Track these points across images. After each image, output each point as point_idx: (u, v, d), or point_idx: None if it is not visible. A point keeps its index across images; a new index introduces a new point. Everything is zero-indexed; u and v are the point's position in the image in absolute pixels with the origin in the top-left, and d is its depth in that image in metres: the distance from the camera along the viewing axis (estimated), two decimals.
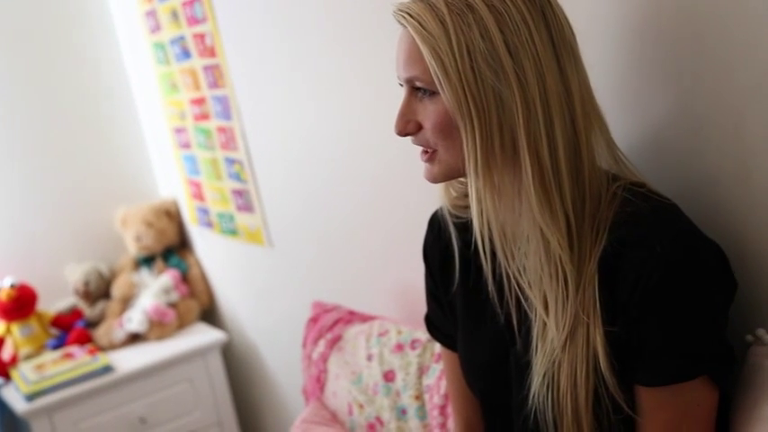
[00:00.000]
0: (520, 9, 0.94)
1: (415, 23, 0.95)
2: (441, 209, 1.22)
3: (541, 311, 1.02)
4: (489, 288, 1.10)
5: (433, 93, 0.98)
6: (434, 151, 1.02)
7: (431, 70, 0.95)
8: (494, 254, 1.05)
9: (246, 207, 2.39)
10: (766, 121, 0.98)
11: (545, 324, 1.02)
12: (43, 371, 2.52)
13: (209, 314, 2.91)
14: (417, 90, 1.00)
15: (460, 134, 0.97)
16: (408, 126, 1.02)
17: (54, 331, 2.78)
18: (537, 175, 0.95)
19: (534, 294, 1.03)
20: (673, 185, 1.08)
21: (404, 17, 0.97)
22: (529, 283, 1.03)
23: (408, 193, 1.68)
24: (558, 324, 0.99)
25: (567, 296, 0.99)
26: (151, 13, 2.57)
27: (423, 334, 1.60)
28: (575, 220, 0.97)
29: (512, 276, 1.04)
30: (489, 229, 1.01)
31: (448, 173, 1.03)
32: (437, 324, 1.31)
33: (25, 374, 2.52)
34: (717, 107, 1.03)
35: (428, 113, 0.99)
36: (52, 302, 2.83)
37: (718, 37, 1.01)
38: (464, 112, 0.95)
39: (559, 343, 0.99)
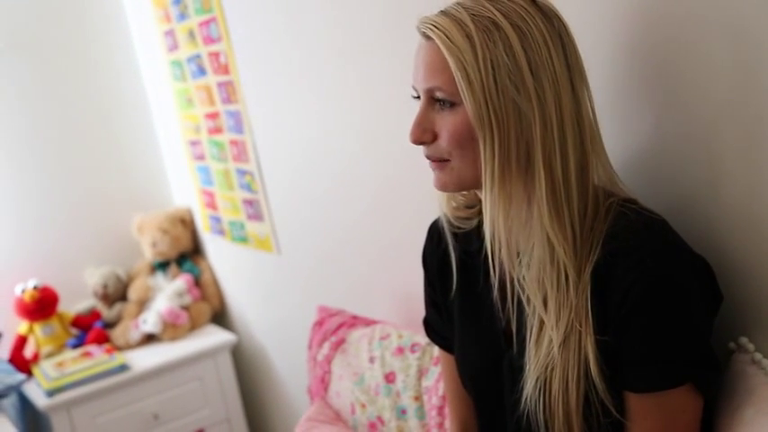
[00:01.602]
0: (541, 31, 0.94)
1: (442, 35, 0.95)
2: (439, 219, 1.21)
3: (542, 315, 1.01)
4: (494, 294, 1.09)
5: (453, 104, 0.97)
6: (447, 161, 1.01)
7: (456, 81, 0.95)
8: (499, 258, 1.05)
9: (256, 216, 2.38)
10: (747, 143, 0.98)
11: (540, 330, 1.01)
12: (63, 368, 2.51)
13: (220, 317, 2.90)
14: (436, 101, 0.99)
15: (477, 145, 0.96)
16: (425, 135, 1.01)
17: (74, 331, 2.77)
18: (549, 187, 0.95)
19: (535, 300, 1.02)
20: (659, 201, 1.07)
21: (430, 29, 0.97)
22: (530, 290, 1.03)
23: (409, 204, 1.68)
24: (558, 328, 0.99)
25: (567, 304, 0.98)
26: (170, 33, 2.57)
27: (422, 338, 1.59)
28: (579, 232, 0.97)
29: (515, 282, 1.04)
30: (499, 238, 1.00)
31: (459, 183, 1.02)
32: (435, 328, 1.30)
33: (46, 371, 2.51)
34: (702, 127, 1.03)
35: (446, 123, 0.98)
36: (73, 304, 2.82)
37: (701, 63, 1.01)
38: (485, 123, 0.94)
39: (557, 345, 0.98)
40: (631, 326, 0.94)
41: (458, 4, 0.98)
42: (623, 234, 0.96)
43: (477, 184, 1.00)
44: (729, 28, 0.96)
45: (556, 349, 0.98)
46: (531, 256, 1.01)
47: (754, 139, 0.97)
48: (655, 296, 0.92)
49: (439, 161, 1.02)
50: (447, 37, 0.94)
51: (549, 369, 0.99)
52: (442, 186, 1.04)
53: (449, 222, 1.17)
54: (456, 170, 1.00)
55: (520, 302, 1.05)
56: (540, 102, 0.93)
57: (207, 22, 2.31)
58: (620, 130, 1.14)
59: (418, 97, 1.02)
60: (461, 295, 1.18)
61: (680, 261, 0.94)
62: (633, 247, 0.95)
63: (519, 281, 1.03)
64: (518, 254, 1.03)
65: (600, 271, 0.96)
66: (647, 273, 0.92)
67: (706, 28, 0.99)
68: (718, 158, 1.02)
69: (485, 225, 1.00)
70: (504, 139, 0.94)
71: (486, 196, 0.97)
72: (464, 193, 1.13)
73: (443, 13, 0.97)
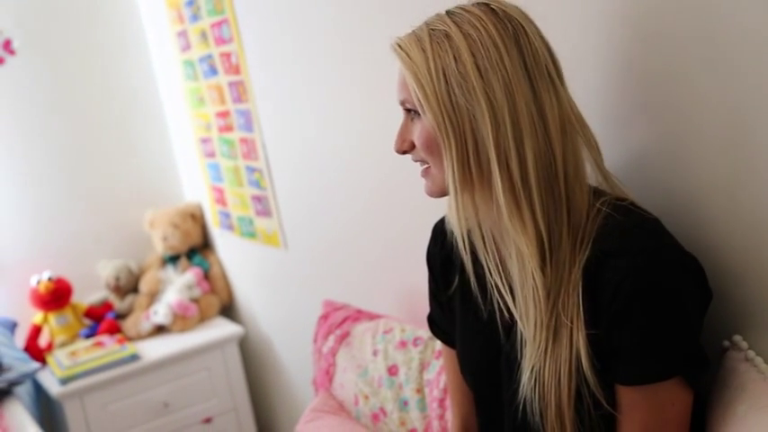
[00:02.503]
0: (492, 35, 0.95)
1: (403, 53, 0.99)
2: (444, 219, 1.22)
3: (520, 319, 1.02)
4: (473, 288, 1.11)
5: (419, 114, 1.00)
6: (429, 167, 1.03)
7: (412, 94, 0.98)
8: (478, 258, 1.06)
9: (264, 212, 2.39)
10: (739, 146, 0.98)
11: (531, 325, 1.02)
12: (76, 357, 2.52)
13: (228, 309, 2.90)
14: (409, 111, 1.03)
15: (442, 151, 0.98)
16: (404, 144, 1.04)
17: (87, 321, 2.78)
18: (508, 189, 0.96)
19: (507, 298, 1.03)
20: (656, 202, 1.07)
21: (395, 48, 1.00)
22: (509, 290, 1.03)
23: (413, 201, 1.67)
24: (536, 331, 1.00)
25: (540, 303, 0.98)
26: (182, 34, 2.57)
27: (425, 332, 1.59)
28: (547, 231, 0.97)
29: (494, 284, 1.04)
30: (470, 240, 1.02)
31: (441, 188, 1.03)
32: (438, 323, 1.30)
33: (60, 360, 2.52)
34: (697, 132, 1.03)
35: (417, 133, 1.01)
36: (86, 295, 2.83)
37: (694, 66, 1.00)
38: (442, 131, 0.96)
39: (540, 348, 0.99)
40: (622, 321, 0.94)
41: (425, 21, 1.01)
42: (614, 232, 0.96)
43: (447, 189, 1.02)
44: (722, 31, 0.96)
45: (542, 346, 0.99)
46: (509, 259, 1.02)
47: (746, 141, 0.97)
48: (645, 293, 0.92)
49: (425, 168, 1.04)
50: (406, 54, 0.98)
51: (540, 363, 0.99)
52: (429, 192, 1.06)
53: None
54: (435, 176, 1.02)
55: (506, 299, 1.05)
56: (490, 103, 0.94)
57: (219, 24, 2.31)
58: (615, 132, 1.14)
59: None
60: (461, 291, 1.18)
61: (671, 259, 0.94)
62: (624, 244, 0.95)
63: (496, 282, 1.04)
64: (497, 254, 1.04)
65: (591, 268, 0.96)
66: (637, 270, 0.92)
67: (699, 32, 0.99)
68: (712, 160, 1.02)
69: (453, 227, 1.03)
70: (460, 143, 0.96)
71: (451, 201, 0.99)
72: None
73: (412, 31, 1.01)
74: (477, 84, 0.94)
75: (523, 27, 0.97)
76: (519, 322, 1.03)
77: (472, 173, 0.97)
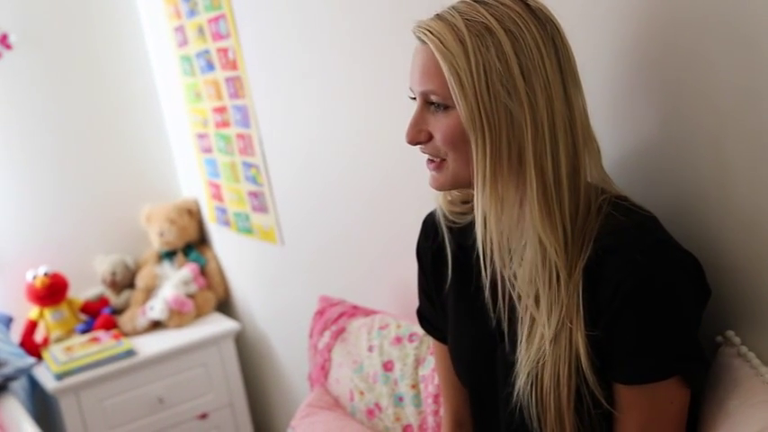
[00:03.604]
0: (534, 35, 0.94)
1: (436, 41, 0.95)
2: (435, 211, 1.21)
3: (534, 312, 1.01)
4: (486, 293, 1.08)
5: (446, 107, 0.97)
6: (443, 161, 1.01)
7: (449, 85, 0.95)
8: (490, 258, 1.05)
9: (261, 208, 2.39)
10: (737, 144, 0.98)
11: (531, 326, 1.01)
12: (72, 353, 2.52)
13: (224, 305, 2.91)
14: (431, 104, 1.00)
15: (470, 147, 0.96)
16: (420, 135, 1.01)
17: (83, 317, 2.78)
18: (540, 189, 0.95)
19: (526, 298, 1.02)
20: (656, 200, 1.07)
21: (425, 34, 0.97)
22: (521, 288, 1.03)
23: (410, 198, 1.68)
24: (549, 324, 0.99)
25: (557, 302, 0.98)
26: (180, 29, 2.57)
27: (420, 328, 1.59)
28: (571, 231, 0.97)
29: (506, 280, 1.04)
30: (491, 238, 1.00)
31: (454, 182, 1.02)
32: (428, 317, 1.30)
33: (55, 355, 2.52)
34: (696, 131, 1.03)
35: (440, 125, 0.99)
36: (82, 290, 2.83)
37: (699, 69, 1.01)
38: (476, 127, 0.94)
39: (548, 341, 0.98)
40: (621, 320, 0.94)
41: (453, 8, 0.97)
42: (614, 231, 0.96)
43: (471, 184, 1.00)
44: (732, 32, 0.96)
45: (547, 345, 0.98)
46: (522, 256, 1.01)
47: (748, 138, 0.97)
48: (644, 292, 0.93)
49: (436, 160, 1.02)
50: (441, 42, 0.94)
51: (540, 364, 0.99)
52: (438, 185, 1.04)
53: (444, 217, 1.17)
54: (451, 170, 1.01)
55: (511, 298, 1.05)
56: (531, 106, 0.93)
57: (216, 19, 2.31)
58: (621, 131, 1.14)
59: (415, 98, 1.02)
60: (455, 289, 1.18)
61: (669, 257, 0.94)
62: (623, 243, 0.95)
63: (510, 279, 1.03)
64: (510, 252, 1.03)
65: (591, 267, 0.96)
66: (636, 269, 0.93)
67: (709, 32, 0.98)
68: (709, 158, 1.02)
69: (477, 226, 1.00)
70: (496, 141, 0.94)
71: (478, 197, 0.98)
72: (463, 189, 1.13)
73: (438, 17, 0.97)
74: (519, 84, 0.93)
75: (558, 29, 0.96)
76: (527, 321, 1.02)
77: (503, 170, 0.96)
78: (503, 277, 1.05)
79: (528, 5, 0.95)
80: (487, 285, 1.07)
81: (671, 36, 1.04)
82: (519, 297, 1.03)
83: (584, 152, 0.98)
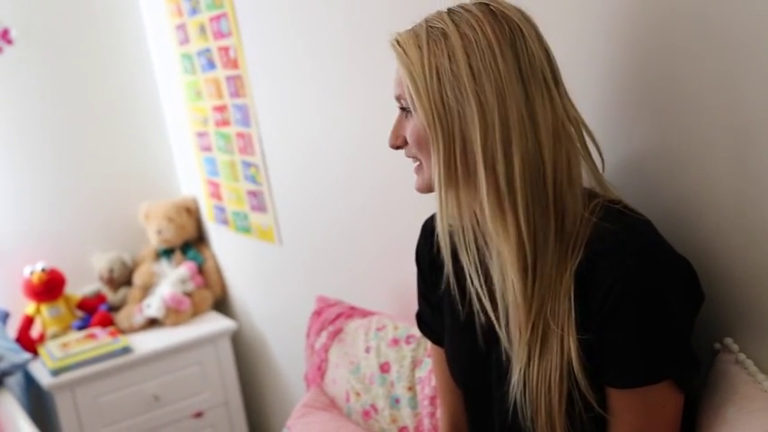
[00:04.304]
0: (488, 37, 0.95)
1: (400, 49, 0.99)
2: (434, 216, 1.21)
3: (502, 322, 1.02)
4: (452, 291, 1.10)
5: (411, 110, 1.00)
6: (420, 164, 1.04)
7: (405, 91, 0.98)
8: (458, 258, 1.05)
9: (260, 207, 2.38)
10: (734, 150, 0.98)
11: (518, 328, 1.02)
12: (68, 349, 2.51)
13: (221, 304, 2.90)
14: (403, 109, 1.03)
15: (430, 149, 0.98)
16: (397, 140, 1.05)
17: (79, 313, 2.77)
18: (492, 192, 0.96)
19: (503, 300, 1.02)
20: (652, 206, 1.07)
21: (393, 45, 1.01)
22: (497, 289, 1.03)
23: (408, 200, 1.68)
24: (522, 335, 0.99)
25: (528, 309, 0.98)
26: (181, 27, 2.56)
27: (417, 330, 1.58)
28: (531, 237, 0.96)
29: (477, 289, 1.04)
30: (452, 239, 1.02)
31: (429, 184, 1.03)
32: (426, 321, 1.30)
33: (51, 351, 2.51)
34: (691, 137, 1.03)
35: (409, 129, 1.02)
36: (79, 287, 2.82)
37: (694, 73, 1.01)
38: (431, 129, 0.96)
39: (524, 354, 0.99)
40: (612, 324, 0.94)
41: (424, 18, 1.01)
42: (606, 234, 0.96)
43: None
44: (721, 35, 0.96)
45: (526, 352, 0.99)
46: (490, 260, 1.02)
47: (744, 144, 0.97)
48: (635, 295, 0.92)
49: (418, 164, 1.04)
50: (403, 50, 0.98)
51: (531, 367, 0.99)
52: (418, 188, 1.06)
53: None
54: (425, 172, 1.03)
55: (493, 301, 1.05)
56: (480, 105, 0.94)
57: (218, 17, 2.31)
58: (615, 137, 1.14)
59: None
60: (449, 292, 1.18)
61: (661, 261, 0.94)
62: (615, 247, 0.95)
63: (480, 285, 1.03)
64: (480, 256, 1.03)
65: (582, 272, 0.96)
66: (627, 272, 0.92)
67: (699, 35, 0.99)
68: (708, 164, 1.02)
69: (436, 225, 1.02)
70: (448, 142, 0.96)
71: (436, 198, 0.99)
72: None
73: (411, 28, 1.01)
74: (468, 84, 0.94)
75: (521, 30, 0.96)
76: (497, 327, 1.03)
77: (458, 172, 0.97)
78: (478, 281, 1.04)
79: (491, 9, 0.97)
80: (453, 284, 1.09)
81: (664, 40, 1.04)
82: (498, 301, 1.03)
83: (556, 155, 0.96)
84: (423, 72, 0.96)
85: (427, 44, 0.96)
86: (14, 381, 2.49)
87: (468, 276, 1.04)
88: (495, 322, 1.03)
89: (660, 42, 1.04)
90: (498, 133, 0.94)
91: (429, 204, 1.22)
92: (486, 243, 1.03)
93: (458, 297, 1.10)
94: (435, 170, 0.97)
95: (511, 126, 0.94)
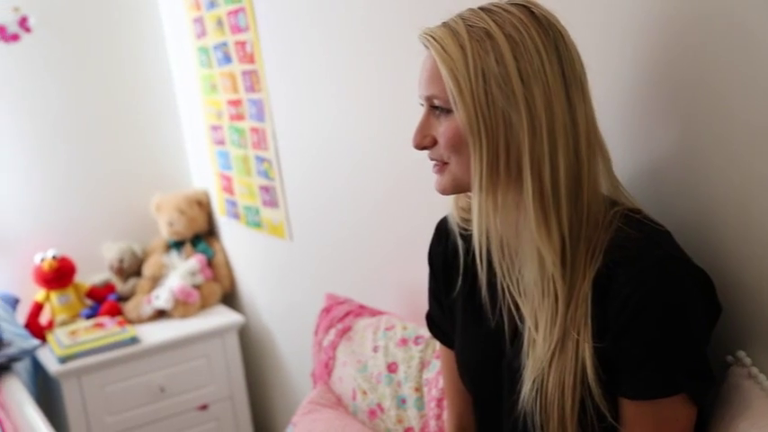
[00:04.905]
0: (534, 40, 0.94)
1: (438, 46, 0.96)
2: (448, 217, 1.21)
3: (531, 326, 1.01)
4: (483, 295, 1.09)
5: (448, 111, 0.98)
6: (446, 164, 1.02)
7: (447, 90, 0.96)
8: (491, 265, 1.04)
9: (271, 202, 2.39)
10: (760, 158, 0.97)
11: (535, 333, 1.01)
12: (76, 337, 2.52)
13: (230, 298, 2.91)
14: (435, 108, 1.01)
15: (469, 151, 0.97)
16: (425, 140, 1.03)
17: (88, 302, 2.79)
18: (537, 196, 0.95)
19: (526, 308, 1.02)
20: (670, 215, 1.07)
21: (428, 39, 0.98)
22: (522, 296, 1.02)
23: (420, 200, 1.68)
24: (545, 339, 0.99)
25: (557, 313, 0.98)
26: (198, 20, 2.57)
27: (426, 331, 1.58)
28: (569, 242, 0.96)
29: (506, 289, 1.04)
30: (488, 242, 1.01)
31: (456, 185, 1.03)
32: (437, 322, 1.30)
33: (60, 339, 2.52)
34: (716, 146, 1.02)
35: (443, 130, 1.00)
36: (89, 276, 2.83)
37: (720, 79, 1.00)
38: (474, 131, 0.95)
39: (546, 357, 0.98)
40: (629, 334, 0.94)
41: (458, 15, 0.99)
42: (625, 244, 0.95)
43: (471, 188, 1.00)
44: (751, 38, 0.95)
45: (549, 355, 0.98)
46: (522, 263, 1.01)
47: (763, 154, 0.96)
48: (652, 307, 0.92)
49: (440, 164, 1.03)
50: (441, 47, 0.96)
51: (545, 373, 0.99)
52: (441, 189, 1.05)
53: (457, 223, 1.17)
54: (452, 173, 1.01)
55: (517, 305, 1.04)
56: (529, 110, 0.93)
57: (235, 12, 2.31)
58: (635, 144, 1.13)
59: (423, 104, 1.03)
60: (464, 295, 1.18)
61: (679, 273, 0.94)
62: (634, 257, 0.94)
63: (509, 287, 1.03)
64: (512, 257, 1.02)
65: (601, 280, 0.96)
66: (646, 283, 0.92)
67: (728, 38, 0.98)
68: (728, 172, 1.01)
69: (473, 228, 1.01)
70: (493, 146, 0.95)
71: (474, 201, 0.98)
72: (469, 194, 1.13)
73: (444, 24, 0.99)
74: (517, 89, 0.93)
75: (562, 35, 0.96)
76: (528, 330, 1.02)
77: (500, 175, 0.96)
78: (504, 284, 1.04)
79: (532, 12, 0.96)
80: (484, 287, 1.07)
81: (689, 44, 1.03)
82: (519, 305, 1.03)
83: (589, 161, 0.97)
84: (466, 71, 0.94)
85: (470, 43, 0.94)
86: (22, 366, 2.50)
87: (501, 279, 1.03)
88: (528, 326, 1.02)
89: (688, 45, 1.03)
90: (546, 140, 0.94)
91: (441, 205, 1.22)
92: (518, 246, 1.01)
93: (488, 302, 1.09)
94: (476, 172, 0.96)
95: (557, 131, 0.94)
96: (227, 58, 2.43)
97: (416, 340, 1.60)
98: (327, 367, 1.78)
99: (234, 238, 2.81)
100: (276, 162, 2.29)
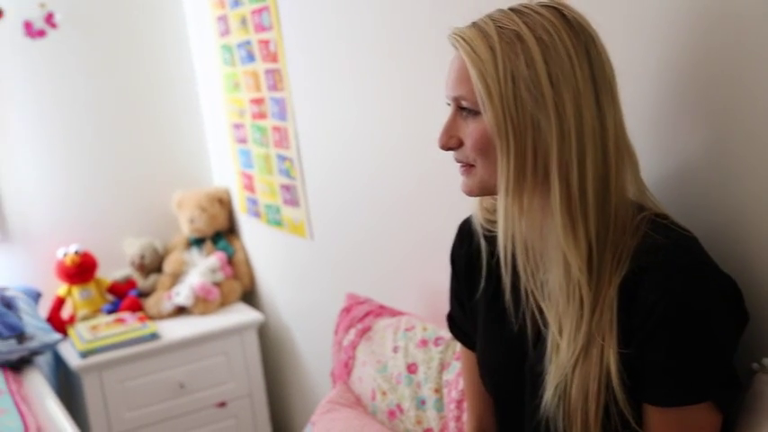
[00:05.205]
0: (565, 43, 0.93)
1: (467, 47, 0.96)
2: (471, 218, 1.21)
3: (555, 331, 1.00)
4: (506, 299, 1.09)
5: (476, 113, 0.98)
6: (472, 166, 1.02)
7: (476, 91, 0.95)
8: (515, 268, 1.04)
9: (292, 201, 2.40)
10: None
11: (559, 338, 1.01)
12: (97, 332, 2.55)
13: (250, 296, 2.92)
14: (462, 109, 1.00)
15: (497, 154, 0.96)
16: (450, 141, 1.02)
17: (109, 297, 2.81)
18: (564, 202, 0.95)
19: (550, 313, 1.02)
20: (696, 221, 1.06)
21: (457, 40, 0.98)
22: (547, 302, 1.02)
23: (442, 200, 1.68)
24: (569, 345, 0.98)
25: (582, 318, 0.97)
26: (222, 18, 2.58)
27: (446, 333, 1.59)
28: (596, 247, 0.96)
29: (530, 293, 1.03)
30: (513, 246, 1.00)
31: (483, 188, 1.02)
32: (458, 323, 1.30)
33: (81, 333, 2.55)
34: (749, 149, 1.01)
35: (470, 131, 0.99)
36: (110, 271, 2.86)
37: (752, 77, 0.99)
38: (502, 134, 0.94)
39: (569, 363, 0.98)
40: (655, 341, 0.93)
41: (488, 16, 0.98)
42: (652, 250, 0.95)
43: (498, 191, 1.00)
44: None
45: (572, 361, 0.97)
46: (547, 268, 1.00)
47: None
48: (679, 314, 0.91)
49: (466, 166, 1.03)
50: (471, 48, 0.95)
51: (568, 378, 0.98)
52: (468, 191, 1.04)
53: (480, 224, 1.17)
54: (479, 176, 1.01)
55: (540, 308, 1.04)
56: (558, 114, 0.92)
57: (259, 11, 2.32)
58: (663, 148, 1.12)
59: (450, 104, 1.03)
60: (487, 296, 1.17)
61: (707, 279, 0.93)
62: (660, 263, 0.93)
63: (533, 291, 1.03)
64: (537, 261, 1.02)
65: (627, 285, 0.95)
66: (672, 290, 0.91)
67: (760, 34, 0.96)
68: (760, 174, 1.00)
69: (498, 231, 1.00)
70: (521, 149, 0.94)
71: (500, 204, 0.98)
72: (495, 196, 1.13)
73: (473, 24, 0.98)
74: (547, 92, 0.92)
75: (593, 38, 0.96)
76: (551, 335, 1.02)
77: (527, 179, 0.96)
78: (529, 288, 1.04)
79: (563, 14, 0.95)
80: (508, 291, 1.07)
81: (718, 42, 1.02)
82: (544, 309, 1.02)
83: (617, 166, 0.97)
84: (496, 74, 0.93)
85: (500, 45, 0.94)
86: (44, 360, 2.54)
87: (525, 283, 1.03)
88: (552, 331, 1.01)
89: (717, 43, 1.02)
90: (575, 145, 0.93)
91: (461, 206, 1.22)
92: (543, 250, 1.01)
93: (512, 305, 1.09)
94: (503, 176, 0.96)
95: (586, 136, 0.93)
96: (251, 57, 2.44)
97: (436, 341, 1.60)
98: (347, 367, 1.79)
99: (254, 236, 2.82)
100: (298, 161, 2.30)
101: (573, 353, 0.97)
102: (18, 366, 2.43)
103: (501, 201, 0.98)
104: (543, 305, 1.03)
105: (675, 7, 1.07)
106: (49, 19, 2.71)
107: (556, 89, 0.92)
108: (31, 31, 2.70)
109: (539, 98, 0.92)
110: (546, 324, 1.04)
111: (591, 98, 0.94)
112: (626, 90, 1.01)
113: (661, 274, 0.93)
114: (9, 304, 2.50)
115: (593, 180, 0.94)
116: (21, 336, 2.40)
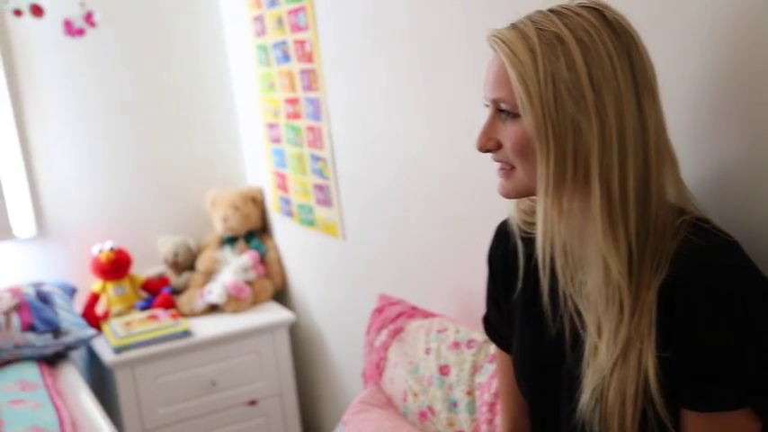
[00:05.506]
0: (607, 46, 0.92)
1: (507, 49, 0.95)
2: (508, 220, 1.20)
3: (594, 334, 1.00)
4: (544, 302, 1.08)
5: (515, 115, 0.97)
6: (512, 168, 1.01)
7: (516, 94, 0.95)
8: (553, 271, 1.03)
9: (325, 201, 2.41)
10: None
11: (597, 343, 1.00)
12: (131, 328, 2.58)
13: (281, 295, 2.94)
14: (501, 111, 1.00)
15: (537, 156, 0.96)
16: (489, 143, 1.02)
17: (143, 294, 2.85)
18: (605, 205, 0.94)
19: (589, 316, 1.01)
20: (736, 220, 1.04)
21: (496, 42, 0.97)
22: (585, 304, 1.01)
23: (476, 202, 1.67)
24: (608, 348, 0.97)
25: (621, 322, 0.96)
26: (259, 18, 2.60)
27: (479, 335, 1.59)
28: (636, 251, 0.95)
29: (569, 296, 1.03)
30: (552, 248, 0.99)
31: (521, 190, 1.02)
32: (494, 325, 1.29)
33: (115, 329, 2.59)
34: None
35: (509, 134, 0.99)
36: (144, 268, 2.90)
37: None
38: (542, 137, 0.94)
39: (608, 366, 0.97)
40: (695, 345, 0.92)
41: (527, 17, 0.97)
42: (692, 253, 0.94)
43: (537, 194, 0.99)
44: None
45: (611, 365, 0.97)
46: (587, 270, 1.00)
47: None
48: (720, 318, 0.90)
49: (505, 168, 1.02)
50: (511, 50, 0.94)
51: (606, 382, 0.97)
52: (505, 193, 1.04)
53: (517, 226, 1.16)
54: (519, 178, 1.01)
55: (579, 312, 1.03)
56: (599, 117, 0.92)
57: (296, 11, 2.33)
58: (702, 150, 1.11)
59: (488, 105, 1.03)
60: (524, 299, 1.17)
61: (748, 284, 0.92)
62: (701, 267, 0.92)
63: (572, 294, 1.02)
64: (575, 264, 1.01)
65: (667, 288, 0.94)
66: (713, 294, 0.90)
67: None
68: None
69: (537, 234, 1.00)
70: (561, 152, 0.93)
71: (540, 206, 0.97)
72: (532, 198, 1.12)
73: (512, 26, 0.97)
74: (588, 95, 0.92)
75: (635, 40, 0.95)
76: (589, 338, 1.01)
77: (567, 182, 0.95)
78: (566, 292, 1.03)
79: (604, 16, 0.94)
80: (546, 293, 1.06)
81: (762, 47, 1.00)
82: (582, 313, 1.02)
83: (658, 168, 0.96)
84: (536, 77, 0.93)
85: (540, 47, 0.93)
86: (78, 355, 2.58)
87: (563, 286, 1.02)
88: (590, 333, 1.01)
89: (761, 42, 1.00)
90: (616, 149, 0.92)
91: (495, 208, 1.22)
92: (582, 253, 1.00)
93: (549, 308, 1.08)
94: (543, 179, 0.95)
95: (627, 139, 0.93)
96: (286, 57, 2.46)
97: (469, 344, 1.60)
98: (378, 368, 1.79)
99: (287, 236, 2.84)
100: (331, 161, 2.31)
101: (611, 356, 0.97)
102: (53, 361, 2.47)
103: (540, 203, 0.97)
104: (581, 308, 1.02)
105: (715, 6, 1.05)
106: (89, 18, 2.76)
107: (597, 91, 0.92)
108: (71, 29, 2.75)
109: (579, 101, 0.92)
110: (584, 327, 1.03)
111: (632, 100, 0.93)
112: (665, 88, 0.99)
113: (701, 279, 0.91)
114: (45, 299, 2.55)
115: (633, 183, 0.93)
116: (56, 331, 2.45)
